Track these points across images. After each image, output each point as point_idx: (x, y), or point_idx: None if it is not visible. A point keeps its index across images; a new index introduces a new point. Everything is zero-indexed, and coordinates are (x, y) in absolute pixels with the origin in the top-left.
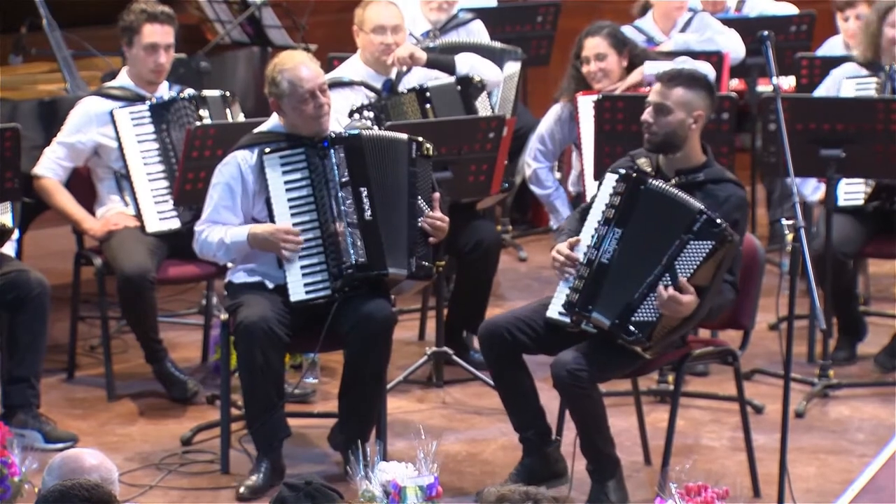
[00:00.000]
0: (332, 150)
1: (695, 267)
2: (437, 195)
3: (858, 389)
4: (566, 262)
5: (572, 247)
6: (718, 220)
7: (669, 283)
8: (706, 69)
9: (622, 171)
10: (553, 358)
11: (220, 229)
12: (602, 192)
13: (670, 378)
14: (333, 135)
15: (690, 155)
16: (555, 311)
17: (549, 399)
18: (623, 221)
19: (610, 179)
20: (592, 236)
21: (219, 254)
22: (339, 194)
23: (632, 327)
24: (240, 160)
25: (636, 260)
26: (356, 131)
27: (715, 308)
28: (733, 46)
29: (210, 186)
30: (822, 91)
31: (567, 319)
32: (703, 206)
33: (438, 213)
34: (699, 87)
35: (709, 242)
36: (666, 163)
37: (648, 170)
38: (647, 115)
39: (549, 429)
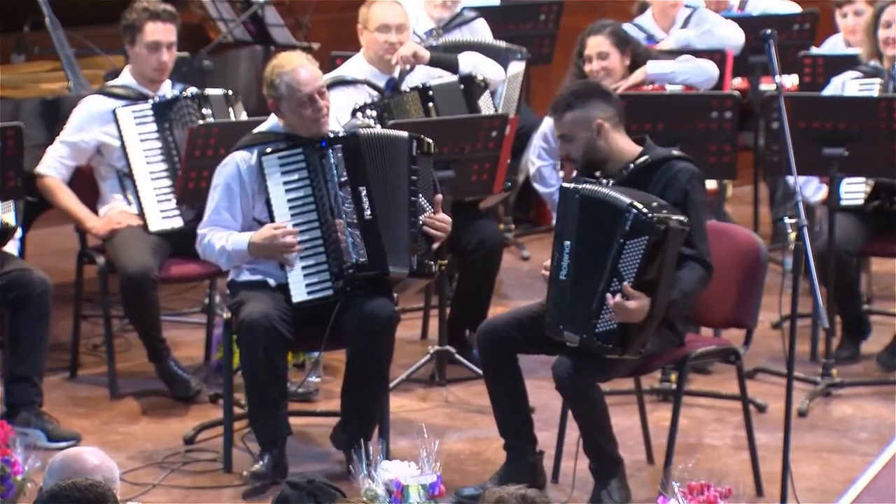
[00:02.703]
0: (330, 150)
1: (637, 266)
2: (439, 196)
3: (861, 388)
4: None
5: None
6: (649, 213)
7: (618, 287)
8: (709, 67)
9: (563, 184)
10: (554, 358)
11: (222, 234)
12: (557, 208)
13: (673, 377)
14: (332, 134)
15: (623, 155)
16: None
17: (551, 399)
18: (568, 234)
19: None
20: (553, 254)
21: (221, 260)
22: (339, 194)
23: (597, 339)
24: (238, 161)
25: (588, 270)
26: (354, 131)
27: (688, 292)
28: (732, 36)
29: (210, 188)
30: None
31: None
32: (631, 200)
33: (441, 215)
34: (585, 98)
35: (643, 238)
36: (607, 172)
37: (598, 176)
38: (559, 149)
39: (535, 439)
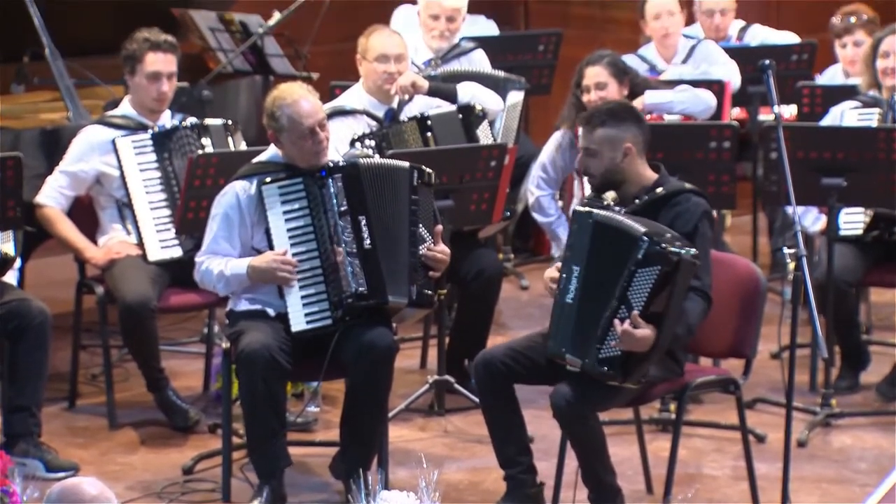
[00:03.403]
0: (329, 180)
1: (646, 296)
2: (439, 228)
3: (861, 418)
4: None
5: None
6: (663, 244)
7: (626, 314)
8: (707, 97)
9: (575, 205)
10: (553, 388)
11: (219, 261)
12: (569, 231)
13: (672, 407)
14: (332, 164)
15: (640, 180)
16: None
17: (550, 428)
18: (578, 258)
19: (571, 217)
20: (560, 277)
21: (219, 286)
22: (338, 223)
23: (600, 365)
24: (238, 190)
25: (596, 295)
26: (354, 160)
27: (692, 326)
28: (728, 77)
29: (209, 218)
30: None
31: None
32: (646, 230)
33: (441, 247)
34: (620, 119)
35: (655, 268)
36: (621, 195)
37: (610, 200)
38: (578, 162)
39: (534, 469)
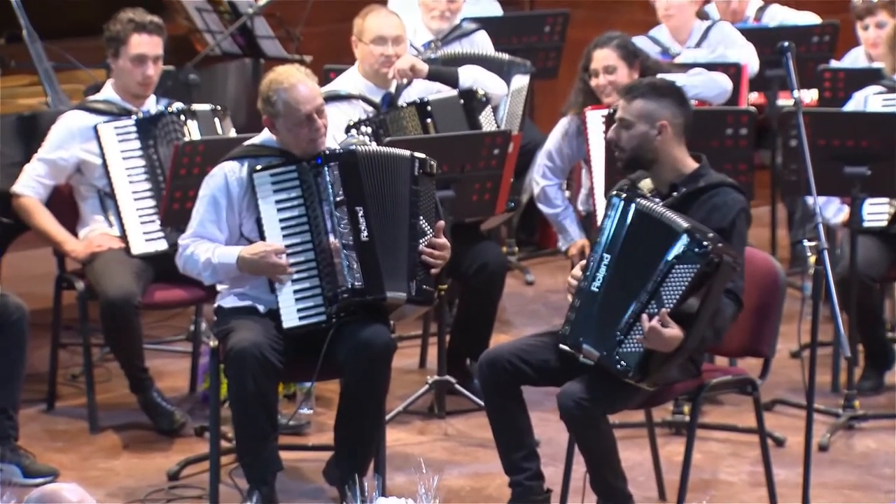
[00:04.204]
0: (325, 168)
1: (680, 293)
2: (441, 223)
3: (885, 421)
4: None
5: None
6: (705, 242)
7: (655, 310)
8: (722, 80)
9: (614, 191)
10: (560, 388)
11: (207, 246)
12: (602, 216)
13: (686, 409)
14: (327, 151)
15: (678, 166)
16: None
17: (557, 431)
18: (613, 246)
19: (608, 201)
20: (588, 263)
21: (204, 273)
22: (334, 214)
23: (619, 359)
24: (227, 171)
25: (623, 287)
26: (351, 147)
27: (720, 330)
28: (745, 60)
29: (197, 199)
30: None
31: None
32: (689, 226)
33: (441, 240)
34: (661, 95)
35: (694, 266)
36: (655, 180)
37: (646, 191)
38: (611, 132)
39: (541, 475)
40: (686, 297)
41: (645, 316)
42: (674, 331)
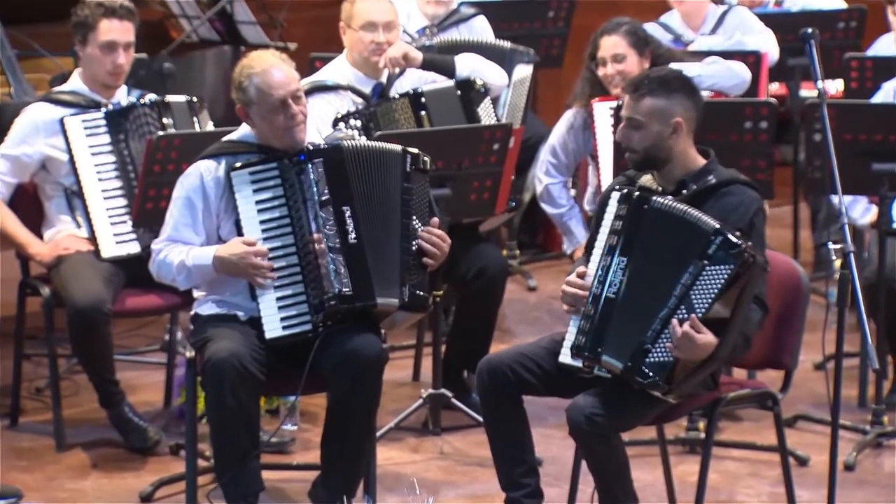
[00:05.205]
0: (309, 165)
1: (713, 297)
2: (435, 220)
3: None
4: (577, 295)
5: (582, 277)
6: (738, 241)
7: (685, 315)
8: (740, 70)
9: (624, 189)
10: (569, 402)
11: (180, 249)
12: (606, 217)
13: (701, 425)
14: (311, 147)
15: (687, 162)
16: (566, 355)
17: (563, 448)
18: (628, 248)
19: (612, 200)
20: (597, 268)
21: (178, 277)
22: (319, 214)
23: (647, 370)
24: (203, 170)
25: (646, 292)
26: (337, 142)
27: (750, 338)
28: (764, 47)
29: (171, 201)
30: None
31: (580, 364)
32: (718, 225)
33: (438, 231)
34: (672, 90)
35: (727, 267)
36: (662, 178)
37: (653, 186)
38: (620, 134)
39: (541, 493)
40: (716, 301)
41: (675, 321)
42: (707, 337)
